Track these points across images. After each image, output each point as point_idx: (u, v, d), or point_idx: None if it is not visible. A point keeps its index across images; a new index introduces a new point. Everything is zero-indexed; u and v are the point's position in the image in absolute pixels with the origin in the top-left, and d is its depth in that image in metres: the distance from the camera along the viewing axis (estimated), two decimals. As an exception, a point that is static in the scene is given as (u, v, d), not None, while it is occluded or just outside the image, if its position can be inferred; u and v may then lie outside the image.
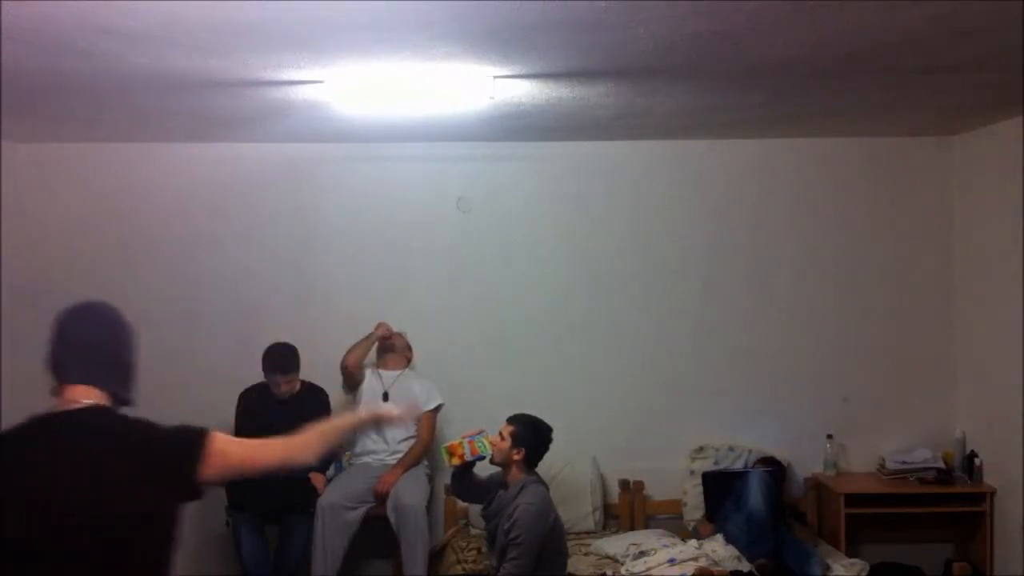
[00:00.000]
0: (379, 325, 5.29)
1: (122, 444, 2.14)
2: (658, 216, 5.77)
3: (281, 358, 5.08)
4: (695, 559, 4.58)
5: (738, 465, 5.45)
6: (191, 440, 2.16)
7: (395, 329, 5.35)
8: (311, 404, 5.11)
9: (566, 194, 5.79)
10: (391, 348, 5.35)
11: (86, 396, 2.17)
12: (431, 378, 5.35)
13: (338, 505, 4.97)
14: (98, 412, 2.17)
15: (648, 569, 4.60)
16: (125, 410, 2.25)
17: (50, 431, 2.14)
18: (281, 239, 5.71)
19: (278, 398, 5.07)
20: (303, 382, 5.19)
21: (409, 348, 5.40)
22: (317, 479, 5.06)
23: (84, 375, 2.19)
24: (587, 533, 5.37)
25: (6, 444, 2.13)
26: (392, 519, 4.98)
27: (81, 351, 2.22)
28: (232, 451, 2.21)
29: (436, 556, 5.16)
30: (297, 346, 5.15)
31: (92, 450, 2.11)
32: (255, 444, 2.31)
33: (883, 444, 5.61)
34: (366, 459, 5.27)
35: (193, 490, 2.16)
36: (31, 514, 2.04)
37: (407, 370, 5.36)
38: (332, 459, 5.20)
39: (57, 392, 2.19)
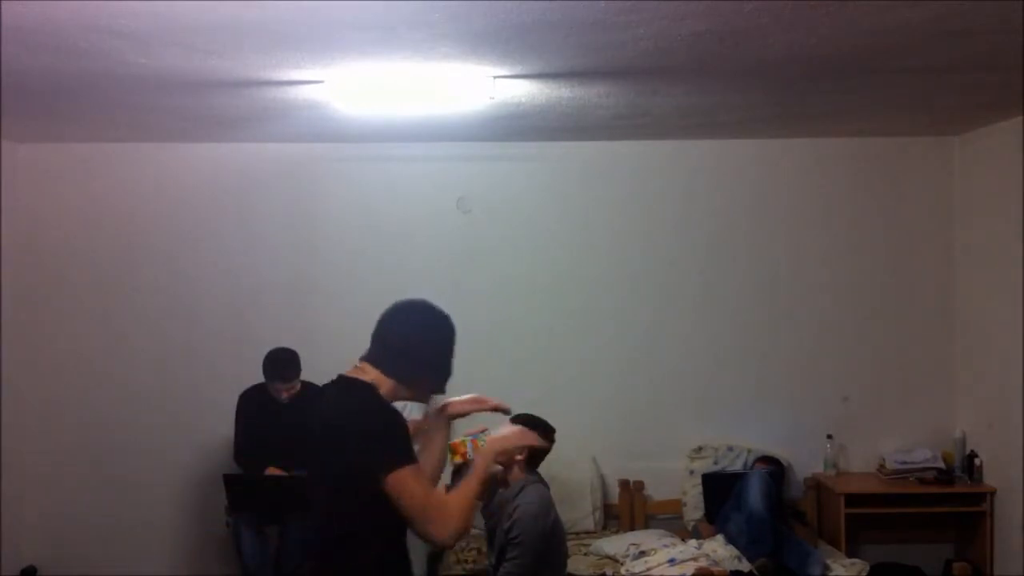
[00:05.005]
0: None
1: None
2: (658, 216, 5.77)
3: (282, 365, 5.04)
4: (695, 559, 4.58)
5: (737, 465, 5.46)
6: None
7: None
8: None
9: (566, 194, 5.79)
10: None
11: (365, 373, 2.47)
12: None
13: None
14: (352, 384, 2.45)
15: (648, 569, 4.60)
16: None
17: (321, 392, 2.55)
18: (281, 238, 5.71)
19: (279, 400, 5.07)
20: (304, 383, 5.18)
21: None
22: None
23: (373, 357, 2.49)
24: (587, 533, 5.37)
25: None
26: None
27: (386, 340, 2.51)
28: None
29: (436, 556, 5.16)
30: (297, 346, 5.13)
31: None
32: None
33: (883, 444, 5.62)
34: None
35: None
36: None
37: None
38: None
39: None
